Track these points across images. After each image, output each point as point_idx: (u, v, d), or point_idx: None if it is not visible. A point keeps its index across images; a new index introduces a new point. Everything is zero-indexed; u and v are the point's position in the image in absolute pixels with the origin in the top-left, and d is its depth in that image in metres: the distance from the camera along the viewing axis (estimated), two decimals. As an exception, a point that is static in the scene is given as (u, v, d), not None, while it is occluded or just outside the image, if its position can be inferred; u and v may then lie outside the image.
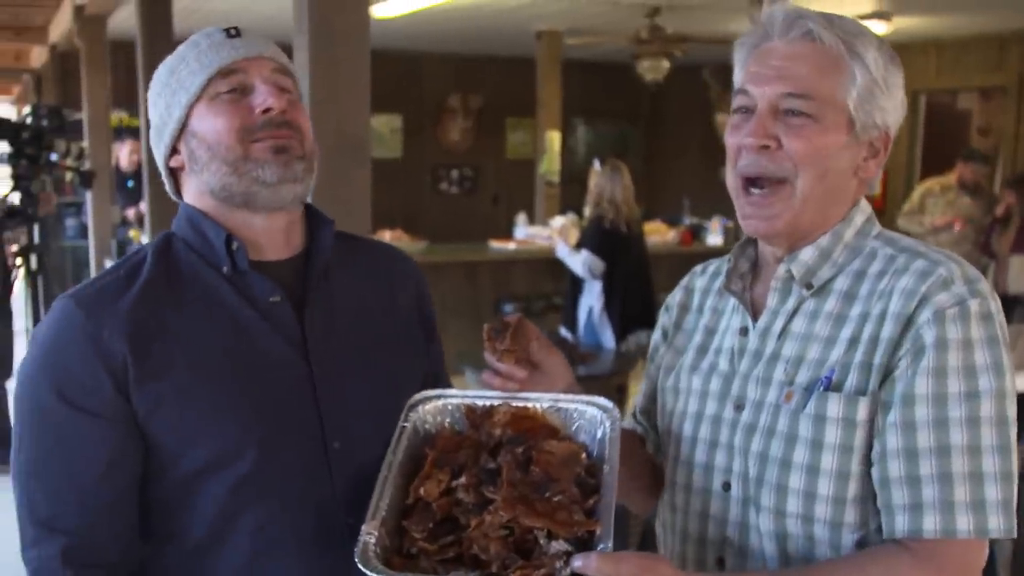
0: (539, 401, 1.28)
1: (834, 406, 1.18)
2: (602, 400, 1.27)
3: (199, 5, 7.12)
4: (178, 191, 1.36)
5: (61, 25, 8.44)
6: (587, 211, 5.75)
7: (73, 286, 1.30)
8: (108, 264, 5.43)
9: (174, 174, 1.35)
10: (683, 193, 9.34)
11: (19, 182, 5.36)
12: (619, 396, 4.98)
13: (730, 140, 1.27)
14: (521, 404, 1.28)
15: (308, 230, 1.38)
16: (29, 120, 5.47)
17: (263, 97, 1.26)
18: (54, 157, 5.56)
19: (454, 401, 1.30)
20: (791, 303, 1.27)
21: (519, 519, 1.08)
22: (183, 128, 1.28)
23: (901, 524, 1.13)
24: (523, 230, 8.03)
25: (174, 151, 1.31)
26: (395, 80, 10.17)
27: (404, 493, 1.18)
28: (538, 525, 1.08)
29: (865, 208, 1.30)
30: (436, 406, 1.30)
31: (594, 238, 5.45)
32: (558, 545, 1.07)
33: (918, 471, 1.13)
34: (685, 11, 7.04)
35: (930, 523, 1.12)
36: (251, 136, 1.25)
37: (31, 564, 1.22)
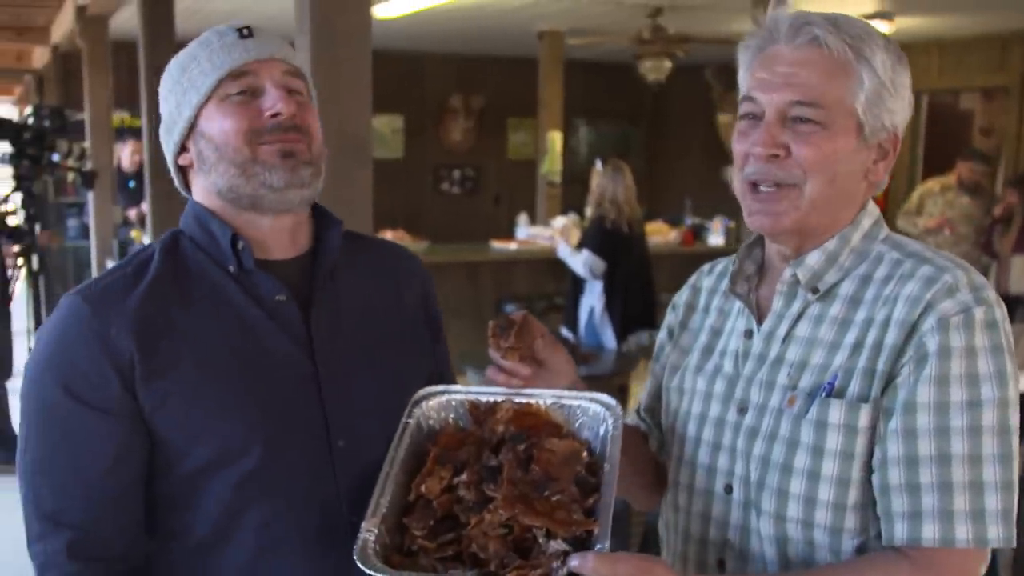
0: (542, 397, 1.28)
1: (835, 412, 1.18)
2: (605, 397, 1.27)
3: (201, 5, 7.12)
4: (187, 187, 1.36)
5: (63, 25, 8.45)
6: (589, 211, 5.75)
7: (74, 286, 1.30)
8: (109, 265, 5.43)
9: (183, 171, 1.35)
10: (685, 193, 9.34)
11: (21, 183, 5.37)
12: (620, 396, 4.98)
13: (738, 147, 1.26)
14: (524, 400, 1.28)
15: (315, 229, 1.38)
16: (31, 121, 5.48)
17: (272, 101, 1.26)
18: (56, 158, 5.57)
19: (458, 397, 1.30)
20: (796, 307, 1.27)
21: (518, 518, 1.08)
22: (192, 127, 1.29)
23: (900, 532, 1.13)
24: (524, 230, 8.03)
25: (183, 149, 1.32)
26: (397, 80, 10.18)
27: (406, 490, 1.18)
28: (537, 524, 1.08)
29: (873, 211, 1.29)
30: (440, 402, 1.30)
31: (595, 238, 5.45)
32: (556, 544, 1.07)
33: (918, 479, 1.12)
34: (687, 11, 7.04)
35: (929, 532, 1.11)
36: (259, 139, 1.25)
37: (38, 558, 1.23)
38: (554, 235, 6.88)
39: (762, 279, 1.35)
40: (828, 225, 1.25)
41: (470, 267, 7.22)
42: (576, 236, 6.34)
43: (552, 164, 8.57)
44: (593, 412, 1.27)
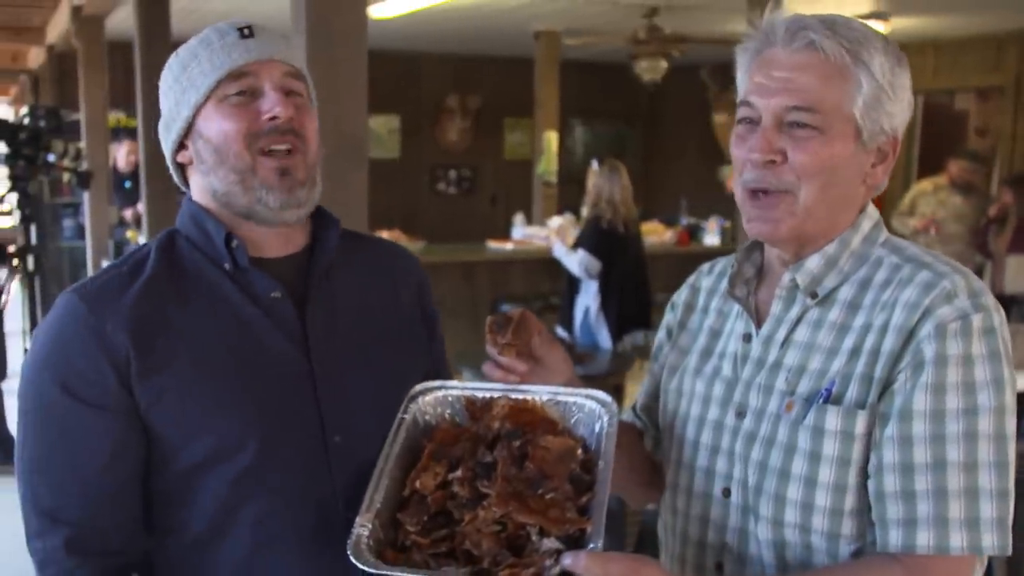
0: (539, 394, 1.29)
1: (832, 419, 1.17)
2: (601, 394, 1.28)
3: (197, 5, 7.12)
4: (186, 183, 1.37)
5: (59, 26, 8.43)
6: (585, 211, 5.75)
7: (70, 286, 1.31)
8: (105, 265, 5.42)
9: (182, 167, 1.35)
10: (680, 193, 9.34)
11: (16, 183, 5.36)
12: (616, 396, 4.95)
13: (736, 152, 1.25)
14: (521, 396, 1.28)
15: (313, 228, 1.39)
16: (26, 121, 5.47)
17: (270, 104, 1.26)
18: (51, 158, 5.55)
19: (454, 393, 1.30)
20: (795, 311, 1.26)
21: (512, 515, 1.08)
22: (190, 127, 1.29)
23: (895, 539, 1.13)
24: (521, 230, 8.02)
25: (182, 146, 1.32)
26: (393, 80, 10.17)
27: (401, 485, 1.18)
28: (530, 522, 1.08)
29: (873, 214, 1.29)
30: (436, 397, 1.30)
31: (591, 238, 5.45)
32: (549, 543, 1.07)
33: (913, 486, 1.12)
34: (683, 11, 7.05)
35: (923, 539, 1.11)
36: (257, 142, 1.26)
37: (37, 555, 1.24)
38: (550, 235, 6.87)
39: (761, 282, 1.35)
40: (827, 230, 1.25)
41: (466, 267, 7.21)
42: (572, 236, 6.34)
43: (548, 164, 8.57)
44: (589, 409, 1.27)
